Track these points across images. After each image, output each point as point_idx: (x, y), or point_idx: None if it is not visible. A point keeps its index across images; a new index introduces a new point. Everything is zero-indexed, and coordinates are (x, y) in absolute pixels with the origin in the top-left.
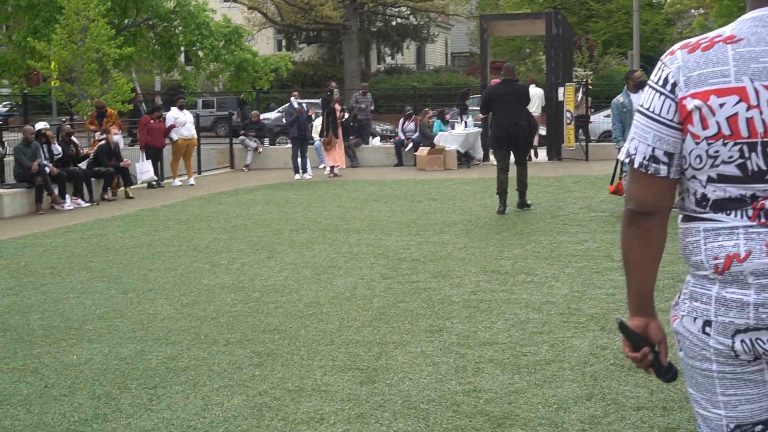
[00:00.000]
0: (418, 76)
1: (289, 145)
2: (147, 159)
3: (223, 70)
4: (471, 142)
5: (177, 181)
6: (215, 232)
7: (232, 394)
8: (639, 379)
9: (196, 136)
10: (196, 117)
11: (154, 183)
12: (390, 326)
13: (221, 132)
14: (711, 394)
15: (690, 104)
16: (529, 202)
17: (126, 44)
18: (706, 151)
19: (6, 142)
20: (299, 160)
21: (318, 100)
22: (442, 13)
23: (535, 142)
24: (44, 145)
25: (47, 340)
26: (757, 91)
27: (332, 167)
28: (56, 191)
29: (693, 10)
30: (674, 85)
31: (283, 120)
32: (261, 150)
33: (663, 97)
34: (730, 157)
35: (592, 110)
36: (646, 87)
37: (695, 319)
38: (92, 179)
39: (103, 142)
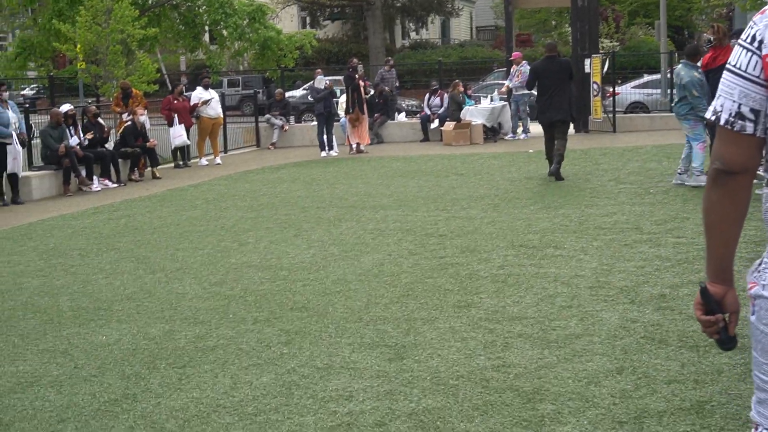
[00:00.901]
0: (443, 50)
1: (315, 123)
2: (180, 124)
3: (247, 49)
4: (497, 116)
5: (203, 161)
6: (242, 211)
7: (260, 373)
8: (670, 352)
9: (222, 116)
10: (222, 96)
11: (186, 147)
12: (418, 302)
13: (247, 111)
14: None
15: None
16: (562, 175)
17: (150, 25)
18: None
19: (33, 125)
20: (325, 137)
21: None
22: None
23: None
24: (71, 127)
25: (76, 321)
26: None
27: (357, 144)
28: (84, 173)
29: None
30: (761, 42)
31: (309, 97)
32: (287, 128)
33: (750, 54)
34: None
35: (619, 81)
36: (735, 45)
37: None
38: (119, 160)
39: (129, 122)
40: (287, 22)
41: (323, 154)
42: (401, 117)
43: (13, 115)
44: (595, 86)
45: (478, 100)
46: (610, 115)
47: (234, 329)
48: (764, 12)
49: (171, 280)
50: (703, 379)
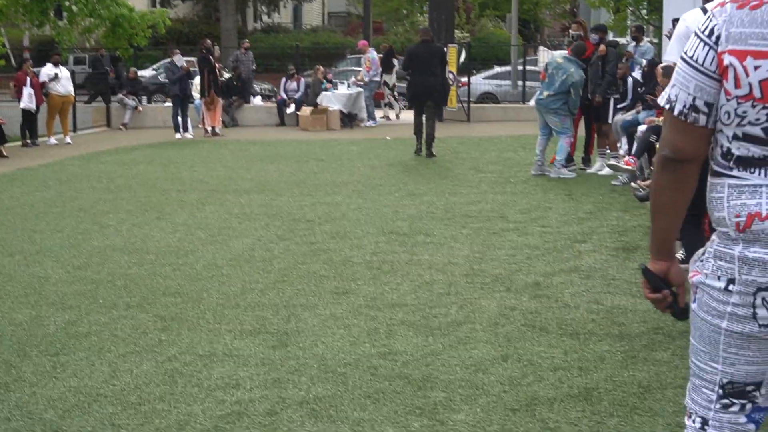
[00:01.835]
0: (295, 35)
1: (168, 104)
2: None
3: (98, 26)
4: (354, 102)
5: (52, 140)
6: (99, 192)
7: (140, 360)
8: (552, 339)
9: (72, 94)
10: (72, 74)
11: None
12: (295, 288)
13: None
14: (713, 348)
15: (726, 60)
16: (434, 152)
17: None
18: (735, 109)
19: None
20: (180, 119)
21: (192, 58)
22: None
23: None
24: None
25: None
26: None
27: (213, 127)
28: None
29: None
30: (718, 37)
31: (160, 78)
32: (140, 109)
33: (707, 48)
34: (757, 119)
35: (474, 72)
36: (692, 35)
37: (719, 277)
38: None
39: None
40: (137, 0)
41: (178, 135)
42: (257, 101)
43: None
44: (450, 76)
45: (335, 86)
46: (465, 105)
47: (106, 315)
48: (723, 4)
49: (31, 263)
50: (587, 366)
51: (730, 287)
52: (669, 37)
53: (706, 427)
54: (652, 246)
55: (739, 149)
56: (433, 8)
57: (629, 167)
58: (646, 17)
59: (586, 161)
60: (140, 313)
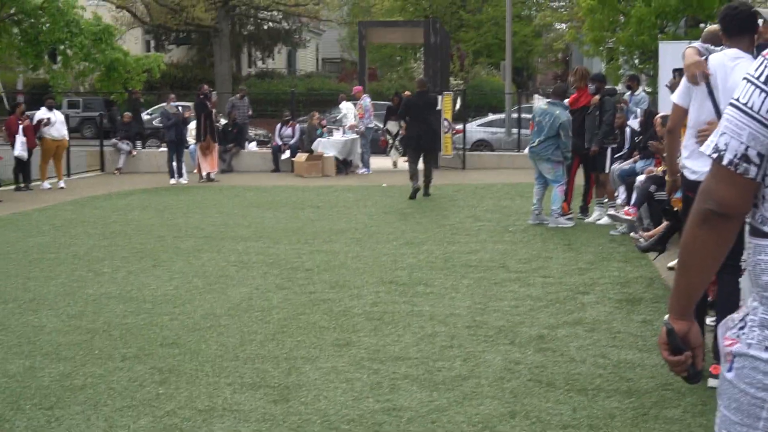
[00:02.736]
0: (289, 80)
1: (163, 149)
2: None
3: (93, 70)
4: (349, 149)
5: (46, 184)
6: (94, 239)
7: (137, 415)
8: (559, 395)
9: (66, 138)
10: (66, 117)
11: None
12: (295, 340)
13: (87, 134)
14: (752, 421)
15: None
16: (430, 192)
17: None
18: None
19: None
20: (175, 164)
21: (188, 103)
22: (314, 18)
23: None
24: None
25: None
26: None
27: (208, 173)
28: None
29: (559, 24)
30: None
31: (154, 122)
32: (135, 153)
33: (764, 95)
34: None
35: (469, 119)
36: (743, 81)
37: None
38: None
39: None
40: (131, 44)
41: (173, 181)
42: (252, 146)
43: None
44: (446, 123)
45: (330, 133)
46: (460, 152)
47: (102, 366)
48: None
49: (25, 312)
50: (596, 424)
51: None
52: (669, 88)
53: None
54: (674, 304)
55: None
56: (428, 56)
57: (629, 217)
58: (639, 66)
59: (584, 210)
60: (137, 364)
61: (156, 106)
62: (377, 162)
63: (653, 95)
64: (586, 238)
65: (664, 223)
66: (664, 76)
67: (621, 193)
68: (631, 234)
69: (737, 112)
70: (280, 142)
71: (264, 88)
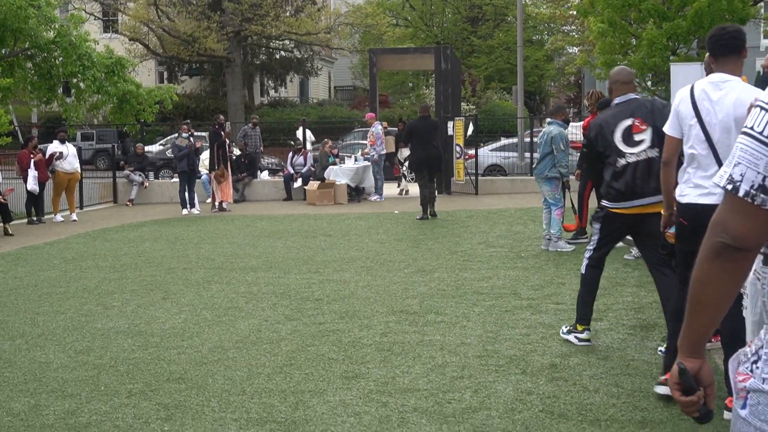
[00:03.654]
0: (301, 109)
1: (175, 180)
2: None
3: (105, 102)
4: (361, 176)
5: (59, 217)
6: (104, 272)
7: None
8: (572, 426)
9: (79, 170)
10: (78, 150)
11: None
12: (302, 372)
13: (101, 165)
14: None
15: None
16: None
17: (3, 75)
18: None
19: None
20: (187, 194)
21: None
22: (326, 47)
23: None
24: None
25: None
26: None
27: (221, 202)
28: None
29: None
30: None
31: (167, 153)
32: (147, 184)
33: None
34: None
35: (481, 144)
36: (756, 109)
37: None
38: None
39: None
40: (144, 76)
41: (185, 211)
42: (264, 175)
43: None
44: (458, 148)
45: (342, 160)
46: (473, 178)
47: (107, 403)
48: None
49: (32, 348)
50: None
51: None
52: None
53: None
54: (685, 342)
55: None
56: (439, 81)
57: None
58: (651, 88)
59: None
60: (143, 401)
61: (169, 137)
62: (390, 189)
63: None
64: None
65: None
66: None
67: None
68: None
69: (752, 141)
70: (292, 171)
71: (276, 116)
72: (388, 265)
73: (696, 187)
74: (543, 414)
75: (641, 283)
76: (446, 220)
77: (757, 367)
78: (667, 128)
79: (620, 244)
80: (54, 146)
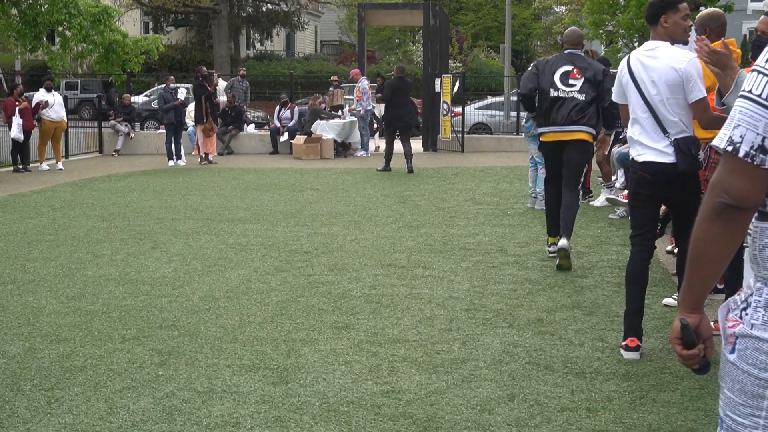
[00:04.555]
0: (288, 63)
1: (161, 131)
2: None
3: (91, 51)
4: (348, 132)
5: (44, 165)
6: (92, 220)
7: (137, 396)
8: (557, 378)
9: (65, 119)
10: (64, 99)
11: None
12: (293, 322)
13: (85, 115)
14: (756, 402)
15: None
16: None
17: None
18: None
19: None
20: (173, 146)
21: (188, 85)
22: (313, 1)
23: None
24: None
25: None
26: None
27: (206, 154)
28: None
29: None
30: None
31: (152, 104)
32: (133, 135)
33: None
34: None
35: (468, 102)
36: (753, 72)
37: None
38: None
39: None
40: (129, 26)
41: (171, 163)
42: (250, 128)
43: None
44: (444, 106)
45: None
46: (459, 135)
47: (101, 348)
48: None
49: (24, 293)
50: (594, 407)
51: None
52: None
53: None
54: (686, 298)
55: None
56: (427, 38)
57: (627, 201)
58: None
59: (585, 193)
60: (136, 346)
61: (154, 88)
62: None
63: None
64: (584, 222)
65: (662, 207)
66: None
67: (620, 177)
68: (629, 217)
69: (750, 103)
70: (278, 125)
71: (263, 70)
72: (376, 219)
73: (648, 148)
74: (529, 366)
75: (626, 242)
76: (432, 176)
77: (746, 314)
78: (614, 96)
79: (604, 203)
80: (40, 95)
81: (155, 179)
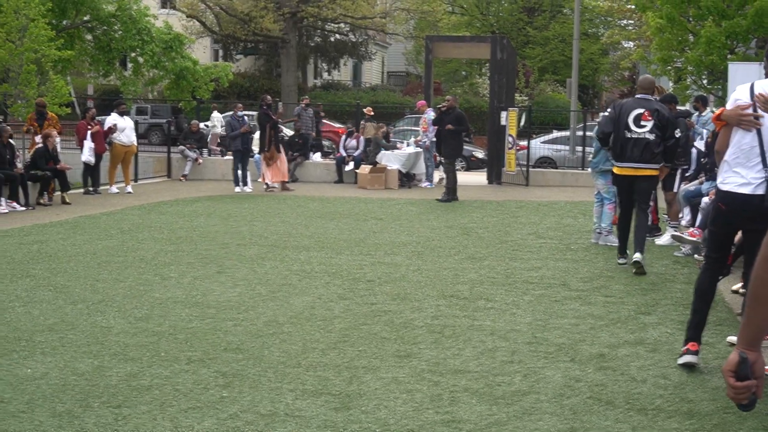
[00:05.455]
0: (354, 93)
1: (228, 157)
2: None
3: (162, 77)
4: (413, 162)
5: (114, 188)
6: (160, 244)
7: (202, 417)
8: (618, 414)
9: (135, 143)
10: (135, 124)
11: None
12: (356, 350)
13: (154, 140)
14: None
15: None
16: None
17: (64, 47)
18: None
19: None
20: (240, 172)
21: (253, 113)
22: (380, 32)
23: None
24: None
25: None
26: None
27: (283, 182)
28: None
29: (626, 42)
30: None
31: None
32: (201, 161)
33: None
34: None
35: (533, 136)
36: None
37: None
38: (28, 183)
39: (40, 145)
40: (200, 53)
41: (237, 189)
42: (316, 157)
43: None
44: (510, 139)
45: (394, 145)
46: (524, 169)
47: (168, 368)
48: None
49: (93, 313)
50: None
51: None
52: None
53: None
54: (744, 335)
55: None
56: (494, 71)
57: (693, 238)
58: (707, 87)
59: (653, 230)
60: (202, 368)
61: (223, 115)
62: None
63: None
64: (649, 259)
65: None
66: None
67: (686, 214)
68: (695, 255)
69: None
70: (344, 154)
71: (329, 99)
72: (438, 250)
73: (736, 176)
74: (591, 400)
75: (690, 280)
76: (496, 209)
77: None
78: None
79: (670, 240)
80: (112, 118)
81: (221, 205)
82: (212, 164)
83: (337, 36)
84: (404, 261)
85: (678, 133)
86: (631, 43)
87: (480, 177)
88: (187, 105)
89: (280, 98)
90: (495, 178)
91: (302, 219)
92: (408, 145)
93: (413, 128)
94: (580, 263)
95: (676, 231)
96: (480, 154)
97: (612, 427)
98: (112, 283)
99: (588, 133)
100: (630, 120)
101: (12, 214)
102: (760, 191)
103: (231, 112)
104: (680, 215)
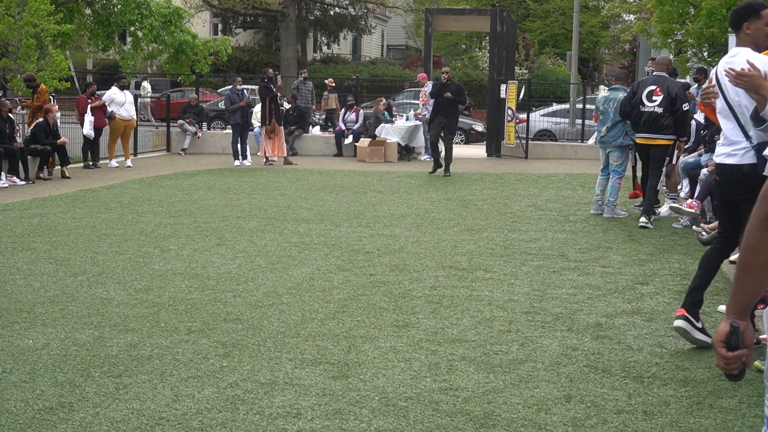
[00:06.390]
0: (354, 66)
1: (228, 131)
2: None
3: (161, 52)
4: (412, 135)
5: (114, 162)
6: (160, 216)
7: (201, 386)
8: (615, 381)
9: (135, 118)
10: (134, 98)
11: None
12: (354, 320)
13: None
14: None
15: None
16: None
17: (63, 21)
18: None
19: None
20: (239, 146)
21: (253, 86)
22: (380, 5)
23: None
24: None
25: None
26: None
27: (284, 156)
28: None
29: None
30: None
31: (219, 105)
32: (200, 135)
33: None
34: None
35: (533, 109)
36: None
37: None
38: (28, 157)
39: (41, 119)
40: (199, 27)
41: (237, 163)
42: (315, 130)
43: None
44: (509, 112)
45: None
46: (523, 141)
47: (168, 339)
48: None
49: (93, 285)
50: (651, 410)
51: None
52: None
53: None
54: (734, 304)
55: None
56: (494, 44)
57: (692, 210)
58: (708, 59)
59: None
60: (201, 338)
61: (222, 89)
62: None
63: None
64: (647, 230)
65: None
66: None
67: (685, 186)
68: (694, 227)
69: None
70: (343, 127)
71: (329, 73)
72: (438, 222)
73: (723, 147)
74: (587, 368)
75: (688, 251)
76: (495, 182)
77: None
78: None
79: (669, 212)
80: (112, 92)
81: (221, 178)
82: (212, 138)
83: (337, 9)
84: (403, 233)
85: (686, 106)
86: (632, 16)
87: (479, 150)
88: (186, 79)
89: (280, 72)
90: (494, 150)
91: (302, 192)
92: (407, 118)
93: (413, 101)
94: (579, 234)
95: (674, 203)
96: (479, 127)
97: (608, 394)
98: (112, 255)
99: (588, 106)
100: (644, 95)
101: (12, 188)
102: (747, 161)
103: (230, 86)
104: (679, 187)
